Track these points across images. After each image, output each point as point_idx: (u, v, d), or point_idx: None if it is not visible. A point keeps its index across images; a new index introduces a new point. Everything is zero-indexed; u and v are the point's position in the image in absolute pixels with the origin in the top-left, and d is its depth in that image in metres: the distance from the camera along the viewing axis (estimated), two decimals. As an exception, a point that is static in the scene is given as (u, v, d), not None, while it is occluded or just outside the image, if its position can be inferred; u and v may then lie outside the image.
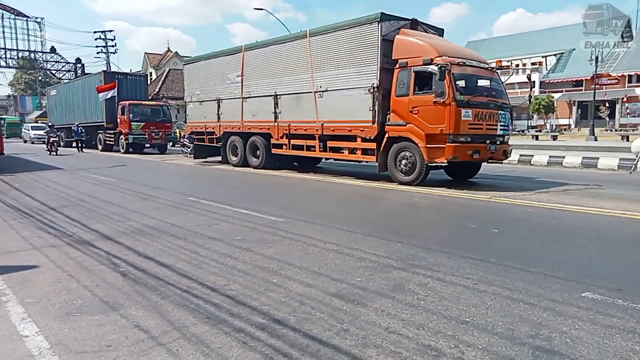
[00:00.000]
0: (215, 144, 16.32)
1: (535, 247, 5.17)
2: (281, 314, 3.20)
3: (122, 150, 23.61)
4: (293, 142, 13.05)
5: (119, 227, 6.02)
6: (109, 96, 23.55)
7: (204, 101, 16.60)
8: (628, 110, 44.84)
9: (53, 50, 44.41)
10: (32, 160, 19.12)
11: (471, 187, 10.07)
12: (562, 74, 54.16)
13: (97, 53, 45.89)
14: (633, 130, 37.03)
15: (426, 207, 8.06)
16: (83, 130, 25.49)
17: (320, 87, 11.91)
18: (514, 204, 7.84)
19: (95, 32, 46.51)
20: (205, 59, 16.78)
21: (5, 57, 41.36)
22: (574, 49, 53.39)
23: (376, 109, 10.54)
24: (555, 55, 56.01)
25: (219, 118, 15.81)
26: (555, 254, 4.79)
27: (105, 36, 45.87)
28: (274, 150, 13.81)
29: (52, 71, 47.17)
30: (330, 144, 11.97)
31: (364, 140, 10.98)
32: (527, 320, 3.09)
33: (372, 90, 10.55)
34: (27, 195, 8.97)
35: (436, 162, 9.74)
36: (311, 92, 12.18)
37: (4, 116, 56.80)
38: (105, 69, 42.94)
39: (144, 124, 23.14)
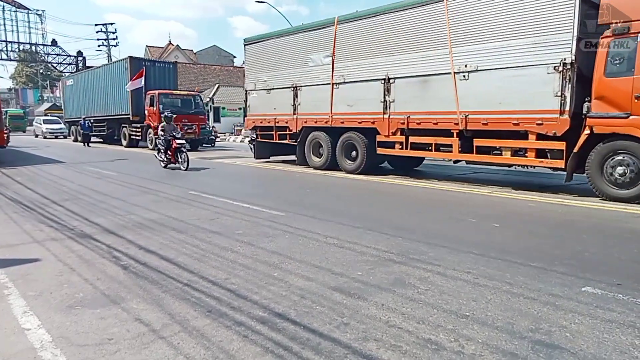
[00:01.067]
0: (287, 142, 13.36)
1: (535, 242, 5.17)
2: (282, 307, 3.22)
3: (150, 146, 20.87)
4: (413, 139, 10.08)
5: (120, 221, 6.04)
6: (137, 86, 21.16)
7: (273, 89, 13.63)
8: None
9: (54, 43, 44.30)
10: (33, 153, 19.15)
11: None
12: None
13: (99, 46, 45.94)
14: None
15: (426, 202, 8.05)
16: (91, 124, 24.63)
17: (465, 66, 8.96)
18: (515, 199, 7.83)
19: (96, 25, 46.50)
20: (275, 36, 13.71)
21: (7, 50, 41.24)
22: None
23: (567, 94, 7.72)
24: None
25: (295, 110, 12.84)
26: (555, 249, 4.79)
27: (107, 29, 45.85)
28: (380, 150, 10.91)
29: (53, 64, 47.06)
30: (478, 142, 8.93)
31: (541, 137, 8.13)
32: (527, 315, 3.10)
33: (561, 68, 7.73)
34: (29, 189, 8.99)
35: None
36: (448, 73, 9.25)
37: (6, 109, 55.95)
38: (106, 61, 42.86)
39: (175, 116, 21.03)
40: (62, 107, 33.03)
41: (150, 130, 20.85)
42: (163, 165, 12.93)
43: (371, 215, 6.68)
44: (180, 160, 12.51)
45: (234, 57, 63.86)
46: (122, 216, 6.33)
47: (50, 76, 64.74)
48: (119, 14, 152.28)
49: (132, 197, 8.03)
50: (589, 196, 7.75)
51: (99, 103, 25.30)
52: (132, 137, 22.78)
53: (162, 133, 12.91)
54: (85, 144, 24.23)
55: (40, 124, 37.07)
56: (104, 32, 45.76)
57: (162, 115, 10.22)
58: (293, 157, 13.76)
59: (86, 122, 24.49)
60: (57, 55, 44.62)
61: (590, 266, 4.17)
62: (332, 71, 11.71)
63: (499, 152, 8.86)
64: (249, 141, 16.39)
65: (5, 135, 22.48)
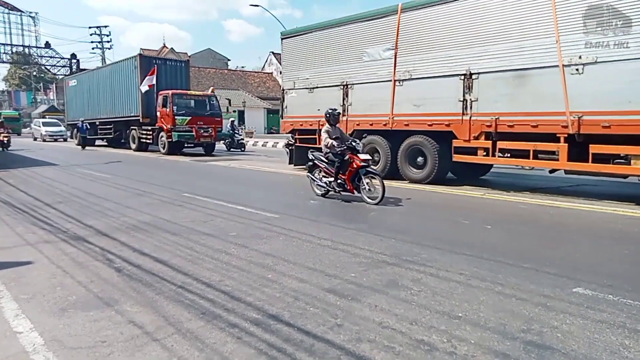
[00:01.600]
0: None
1: (527, 243, 5.22)
2: (276, 309, 3.22)
3: (162, 150, 19.53)
4: (503, 145, 8.67)
5: (114, 223, 6.02)
6: (149, 85, 19.67)
7: (317, 88, 12.21)
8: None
9: (47, 45, 44.18)
10: (26, 156, 19.02)
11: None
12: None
13: (92, 49, 45.84)
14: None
15: (420, 204, 8.08)
16: (88, 127, 23.88)
17: (580, 57, 7.52)
18: (507, 201, 7.89)
19: (90, 27, 46.56)
20: (320, 29, 12.21)
21: (0, 52, 41.05)
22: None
23: None
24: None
25: (344, 111, 11.33)
26: (547, 250, 4.83)
27: (101, 32, 45.78)
28: (457, 158, 9.42)
29: (46, 66, 46.86)
30: (596, 149, 7.42)
31: None
32: (519, 315, 3.13)
33: None
34: (22, 191, 8.94)
35: None
36: (554, 66, 7.82)
37: (0, 110, 53.15)
38: (100, 64, 42.71)
39: (189, 118, 18.89)
40: (65, 109, 31.84)
41: (163, 133, 19.40)
42: (322, 192, 8.23)
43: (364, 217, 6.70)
44: (364, 187, 7.61)
45: (228, 60, 64.00)
46: (115, 218, 6.31)
47: (44, 78, 64.43)
48: (112, 16, 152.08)
49: (126, 199, 8.00)
50: (580, 198, 7.81)
51: (104, 104, 23.92)
52: (142, 140, 21.31)
53: (328, 145, 7.93)
54: (83, 147, 23.56)
55: (40, 126, 35.54)
56: (98, 34, 45.69)
57: (327, 113, 7.67)
58: None
59: (84, 124, 23.89)
60: (51, 57, 44.46)
61: (581, 267, 4.21)
62: (395, 66, 10.13)
63: (624, 160, 7.36)
64: (284, 145, 15.28)
65: (6, 139, 21.26)
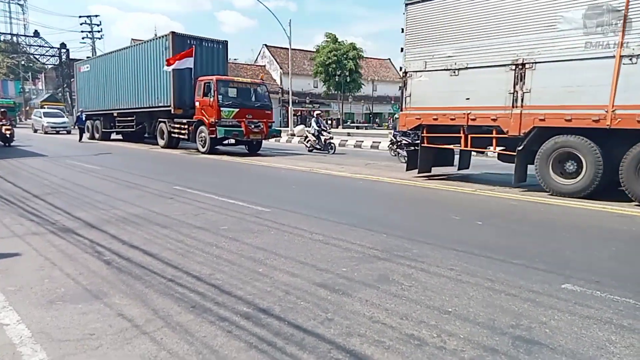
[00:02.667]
0: (494, 150, 9.17)
1: (517, 239, 5.26)
2: (266, 303, 3.22)
3: (201, 149, 16.25)
4: None
5: (103, 215, 5.96)
6: (183, 67, 16.49)
7: (465, 69, 9.03)
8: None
9: (36, 34, 43.54)
10: (16, 146, 18.76)
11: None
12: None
13: (83, 38, 45.26)
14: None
15: (412, 199, 8.12)
16: (85, 118, 22.80)
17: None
18: (498, 197, 7.94)
19: (80, 16, 45.74)
20: None
21: (-14, 40, 40.36)
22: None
23: None
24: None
25: (516, 101, 8.27)
26: (536, 246, 4.88)
27: (91, 21, 45.14)
28: None
29: (35, 56, 46.18)
30: None
31: None
32: (508, 311, 3.15)
33: None
34: (9, 182, 8.82)
35: None
36: None
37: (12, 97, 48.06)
38: (90, 54, 42.11)
39: (237, 110, 15.76)
40: (76, 98, 28.85)
41: (203, 127, 15.96)
42: None
43: (357, 212, 6.71)
44: None
45: (221, 51, 63.20)
46: (105, 211, 6.25)
47: (32, 68, 63.45)
48: (103, 5, 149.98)
49: (116, 191, 7.93)
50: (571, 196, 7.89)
51: (125, 93, 20.55)
52: (173, 135, 17.91)
53: None
54: (80, 138, 22.53)
55: (40, 117, 32.24)
56: (89, 24, 45.05)
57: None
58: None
59: (83, 115, 23.01)
60: (40, 46, 43.82)
61: (570, 264, 4.25)
62: (622, 35, 7.03)
63: None
64: (391, 144, 13.38)
65: (9, 132, 17.97)
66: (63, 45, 44.05)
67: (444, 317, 3.04)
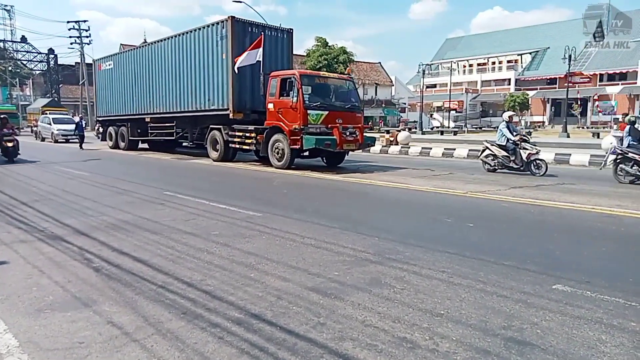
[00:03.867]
0: None
1: (508, 241, 5.29)
2: (258, 308, 3.20)
3: (277, 163, 12.58)
4: None
5: (92, 222, 5.90)
6: (249, 63, 13.14)
7: None
8: (599, 109, 46.21)
9: (24, 39, 43.16)
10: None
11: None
12: (537, 72, 55.58)
13: (71, 44, 44.87)
14: (604, 127, 38.19)
15: (403, 202, 8.13)
16: (85, 125, 21.34)
17: None
18: (489, 199, 7.98)
19: (68, 22, 45.48)
20: None
21: (-27, 46, 39.87)
22: (549, 48, 54.75)
23: None
24: (530, 53, 57.36)
25: None
26: (527, 248, 4.90)
27: (80, 26, 44.83)
28: None
29: (22, 61, 45.71)
30: None
31: None
32: (499, 312, 3.16)
33: None
34: (-4, 190, 8.69)
35: None
36: None
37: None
38: (79, 60, 41.73)
39: (326, 113, 12.12)
40: (94, 101, 25.32)
41: (280, 136, 12.38)
42: None
43: (348, 215, 6.70)
44: None
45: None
46: (94, 217, 6.19)
47: (20, 74, 62.79)
48: (92, 10, 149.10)
49: (105, 197, 7.86)
50: (561, 196, 7.96)
51: (163, 93, 17.02)
52: (230, 145, 14.20)
53: None
54: (81, 145, 21.26)
55: (49, 123, 28.39)
56: (77, 29, 44.72)
57: None
58: None
59: (82, 121, 21.99)
60: (27, 52, 43.43)
61: (561, 265, 4.28)
62: None
63: None
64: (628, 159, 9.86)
65: (11, 144, 14.24)
66: (51, 50, 43.75)
67: (436, 320, 3.04)
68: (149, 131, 18.61)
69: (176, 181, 10.65)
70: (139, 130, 19.43)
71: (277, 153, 12.62)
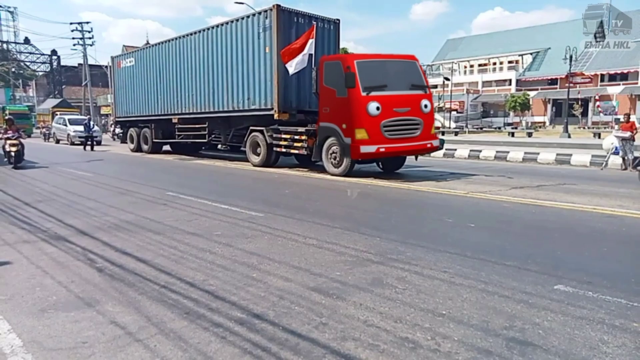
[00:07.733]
0: None
1: (509, 241, 5.29)
2: (260, 308, 3.21)
3: (333, 169, 10.82)
4: None
5: (95, 222, 5.91)
6: (306, 64, 11.51)
7: None
8: (600, 109, 46.17)
9: (27, 41, 43.29)
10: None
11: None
12: (538, 73, 55.57)
13: (74, 45, 44.90)
14: (604, 127, 38.15)
15: (404, 202, 8.13)
16: (94, 126, 20.68)
17: None
18: (490, 200, 7.98)
19: (71, 23, 45.47)
20: None
21: (-24, 48, 39.93)
22: (550, 48, 54.71)
23: None
24: (531, 54, 57.32)
25: None
26: (529, 248, 4.91)
27: (82, 28, 44.87)
28: None
29: (25, 63, 45.81)
30: None
31: None
32: (501, 313, 3.17)
33: None
34: (0, 190, 8.72)
35: None
36: None
37: (2, 105, 40.61)
38: (81, 61, 41.77)
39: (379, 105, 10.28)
40: (112, 100, 23.95)
41: (335, 139, 10.62)
42: None
43: (350, 216, 6.71)
44: None
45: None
46: (97, 218, 6.21)
47: (23, 75, 62.99)
48: (94, 12, 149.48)
49: (108, 198, 7.88)
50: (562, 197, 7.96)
51: (193, 92, 15.44)
52: (275, 148, 12.66)
53: None
54: (85, 147, 20.97)
55: (65, 125, 26.97)
56: (80, 30, 44.78)
57: None
58: None
59: (90, 123, 21.43)
60: (30, 53, 43.54)
61: (562, 265, 4.28)
62: None
63: None
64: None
65: (15, 149, 12.97)
66: (54, 52, 43.95)
67: (437, 320, 3.05)
68: (176, 133, 17.00)
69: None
70: (162, 132, 18.02)
71: (333, 157, 10.82)
